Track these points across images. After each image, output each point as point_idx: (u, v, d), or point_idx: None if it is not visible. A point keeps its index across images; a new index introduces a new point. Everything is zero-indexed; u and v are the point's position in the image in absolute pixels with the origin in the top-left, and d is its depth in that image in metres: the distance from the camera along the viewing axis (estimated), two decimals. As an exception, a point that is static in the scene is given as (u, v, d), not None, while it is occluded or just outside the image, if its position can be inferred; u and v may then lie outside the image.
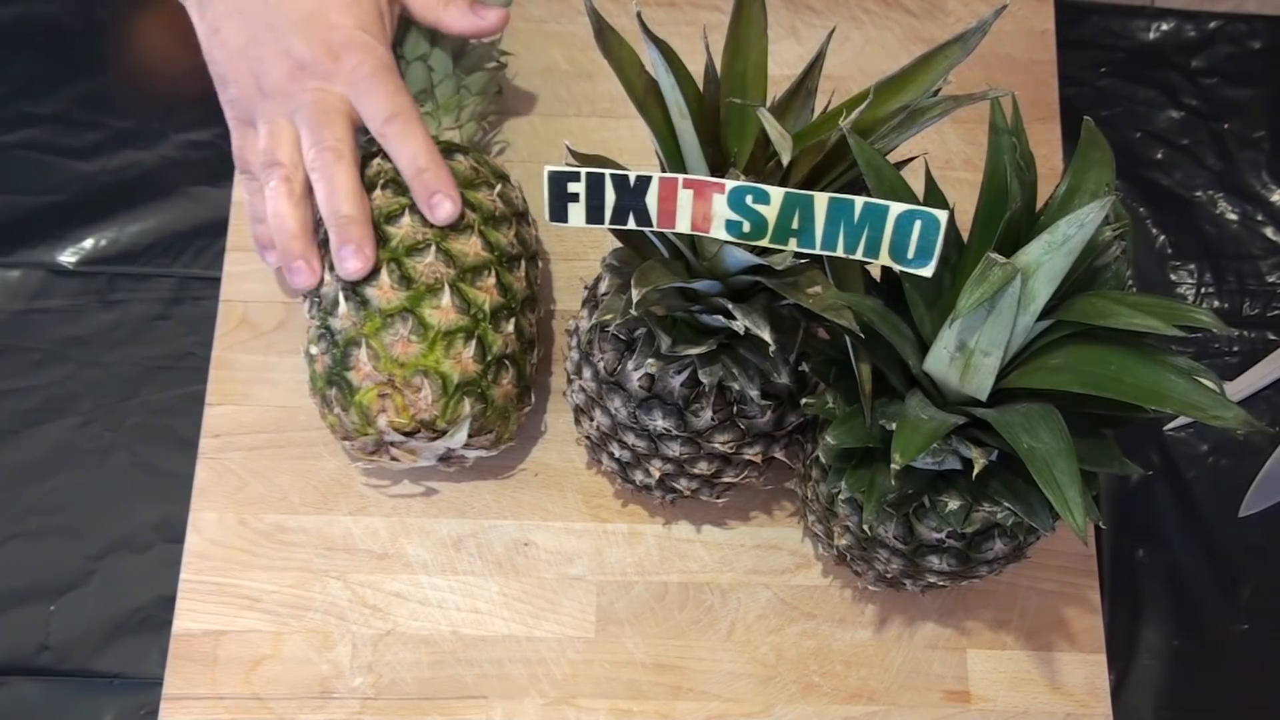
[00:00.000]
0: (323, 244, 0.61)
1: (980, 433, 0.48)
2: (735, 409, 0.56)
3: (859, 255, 0.45)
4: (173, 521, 0.67)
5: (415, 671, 0.64)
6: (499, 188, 0.64)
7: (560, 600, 0.66)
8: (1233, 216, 0.79)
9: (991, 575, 0.59)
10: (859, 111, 0.46)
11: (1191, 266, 0.78)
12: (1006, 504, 0.51)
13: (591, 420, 0.61)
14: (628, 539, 0.67)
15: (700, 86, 0.49)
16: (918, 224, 0.44)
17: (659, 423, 0.57)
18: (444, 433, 0.60)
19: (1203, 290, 0.77)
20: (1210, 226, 0.78)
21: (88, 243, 0.74)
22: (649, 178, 0.46)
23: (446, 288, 0.59)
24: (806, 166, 0.48)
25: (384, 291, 0.59)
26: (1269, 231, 0.78)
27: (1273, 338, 0.76)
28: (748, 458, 0.59)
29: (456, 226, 0.61)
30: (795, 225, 0.45)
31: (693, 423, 0.56)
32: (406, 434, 0.59)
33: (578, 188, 0.46)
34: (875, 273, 0.51)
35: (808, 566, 0.67)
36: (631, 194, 0.46)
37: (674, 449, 0.58)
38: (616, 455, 0.61)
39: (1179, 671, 0.68)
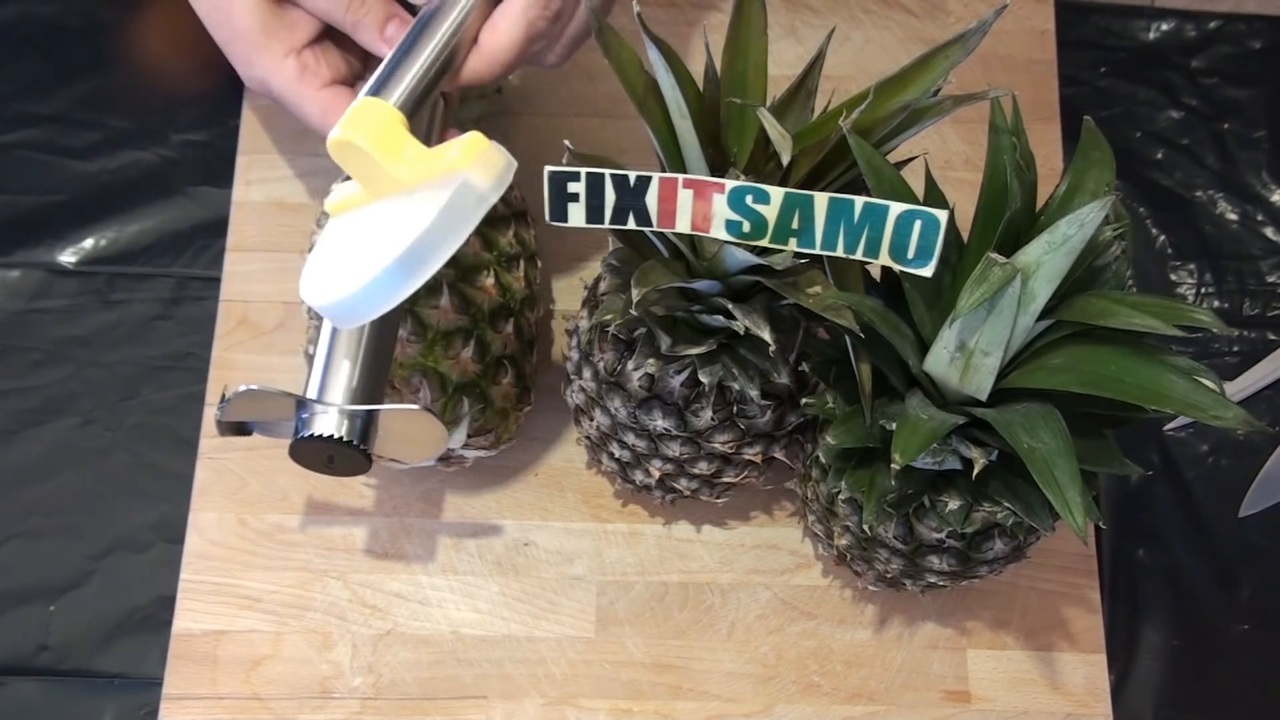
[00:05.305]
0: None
1: (980, 433, 0.48)
2: (735, 409, 0.56)
3: (859, 255, 0.45)
4: (173, 521, 0.67)
5: (415, 671, 0.64)
6: (499, 188, 0.64)
7: (560, 600, 0.66)
8: (1233, 216, 0.79)
9: (991, 575, 0.59)
10: (859, 111, 0.46)
11: (1191, 266, 0.78)
12: (1006, 504, 0.51)
13: (591, 420, 0.61)
14: (628, 539, 0.67)
15: (700, 86, 0.49)
16: (918, 224, 0.44)
17: (659, 423, 0.56)
18: (444, 433, 0.60)
19: (1203, 290, 0.77)
20: (1210, 226, 0.78)
21: (88, 243, 0.73)
22: (649, 178, 0.46)
23: (445, 287, 0.59)
24: (806, 166, 0.48)
25: (384, 291, 0.59)
26: (1269, 231, 0.78)
27: (1273, 338, 0.76)
28: (748, 458, 0.59)
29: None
30: (795, 225, 0.45)
31: (693, 423, 0.56)
32: (406, 434, 0.59)
33: (578, 188, 0.46)
34: (875, 273, 0.51)
35: (808, 566, 0.67)
36: (631, 194, 0.46)
37: (674, 449, 0.58)
38: (616, 455, 0.61)
39: (1179, 671, 0.68)
